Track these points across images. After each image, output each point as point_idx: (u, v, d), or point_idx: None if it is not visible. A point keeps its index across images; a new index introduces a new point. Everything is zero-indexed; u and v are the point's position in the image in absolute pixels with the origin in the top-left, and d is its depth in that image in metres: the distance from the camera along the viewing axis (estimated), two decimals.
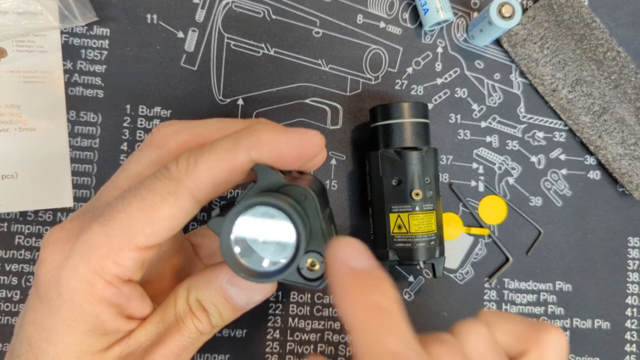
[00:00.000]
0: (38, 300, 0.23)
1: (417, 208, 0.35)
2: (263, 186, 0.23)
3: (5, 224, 0.39)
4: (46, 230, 0.39)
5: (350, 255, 0.20)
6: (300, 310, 0.40)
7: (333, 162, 0.41)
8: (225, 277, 0.26)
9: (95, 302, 0.23)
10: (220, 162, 0.23)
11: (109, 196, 0.25)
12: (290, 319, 0.40)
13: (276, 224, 0.23)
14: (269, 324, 0.40)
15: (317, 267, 0.23)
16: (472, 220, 0.41)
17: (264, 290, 0.27)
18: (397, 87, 0.41)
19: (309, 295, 0.40)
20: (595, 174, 0.42)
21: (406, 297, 0.40)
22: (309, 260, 0.23)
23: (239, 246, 0.23)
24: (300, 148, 0.24)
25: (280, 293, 0.40)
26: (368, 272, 0.20)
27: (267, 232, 0.23)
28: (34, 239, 0.39)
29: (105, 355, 0.24)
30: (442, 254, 0.37)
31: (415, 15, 0.42)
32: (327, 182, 0.40)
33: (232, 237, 0.22)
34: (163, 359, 0.24)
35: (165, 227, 0.23)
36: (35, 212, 0.39)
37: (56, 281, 0.22)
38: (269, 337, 0.40)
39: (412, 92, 0.41)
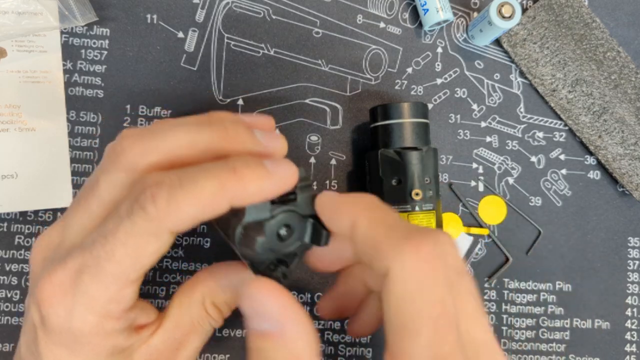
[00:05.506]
0: (55, 346, 0.25)
1: (417, 208, 0.35)
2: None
3: (5, 224, 0.39)
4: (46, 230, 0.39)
5: None
6: None
7: (333, 162, 0.41)
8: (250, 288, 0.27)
9: (110, 337, 0.25)
10: (203, 206, 0.23)
11: (84, 228, 0.25)
12: None
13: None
14: None
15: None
16: (472, 220, 0.41)
17: None
18: (397, 87, 0.41)
19: (309, 295, 0.40)
20: (595, 174, 0.42)
21: None
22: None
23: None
24: (281, 189, 0.25)
25: None
26: None
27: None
28: (34, 239, 0.39)
29: None
30: None
31: (415, 15, 0.42)
32: (327, 182, 0.40)
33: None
34: None
35: (152, 260, 0.24)
36: (35, 212, 0.39)
37: (69, 330, 0.24)
38: None
39: (412, 92, 0.41)
